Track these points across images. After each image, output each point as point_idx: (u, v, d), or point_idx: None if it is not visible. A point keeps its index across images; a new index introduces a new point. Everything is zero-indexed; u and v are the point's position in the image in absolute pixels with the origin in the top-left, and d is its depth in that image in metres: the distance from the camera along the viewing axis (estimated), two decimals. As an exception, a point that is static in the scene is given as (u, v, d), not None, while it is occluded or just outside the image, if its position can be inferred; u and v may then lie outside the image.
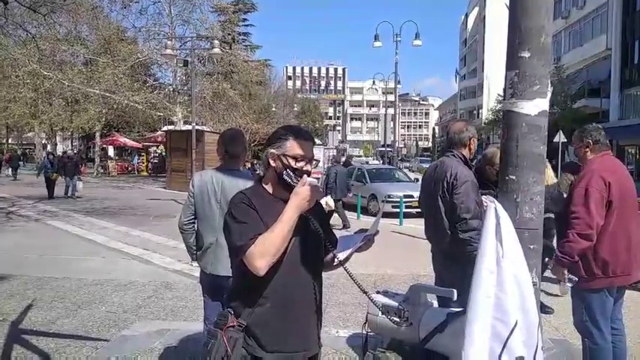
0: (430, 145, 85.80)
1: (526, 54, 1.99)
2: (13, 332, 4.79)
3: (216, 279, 3.28)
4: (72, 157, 20.04)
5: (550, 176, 8.09)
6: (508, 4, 2.09)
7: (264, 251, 1.83)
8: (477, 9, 65.46)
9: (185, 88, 27.87)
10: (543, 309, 5.12)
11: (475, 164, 4.30)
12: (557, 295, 6.04)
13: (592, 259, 3.22)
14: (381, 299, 2.76)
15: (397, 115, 34.41)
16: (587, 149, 3.42)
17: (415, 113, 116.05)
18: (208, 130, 23.96)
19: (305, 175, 1.95)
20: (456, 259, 3.43)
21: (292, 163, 1.97)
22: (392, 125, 33.11)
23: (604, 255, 3.20)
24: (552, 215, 5.05)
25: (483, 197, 2.34)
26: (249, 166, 20.66)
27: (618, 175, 3.35)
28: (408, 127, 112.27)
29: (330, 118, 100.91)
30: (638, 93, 28.94)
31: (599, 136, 3.42)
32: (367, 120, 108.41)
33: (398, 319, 2.50)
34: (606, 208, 3.20)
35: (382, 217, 2.40)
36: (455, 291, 2.51)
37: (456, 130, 3.78)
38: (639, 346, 4.59)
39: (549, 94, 2.04)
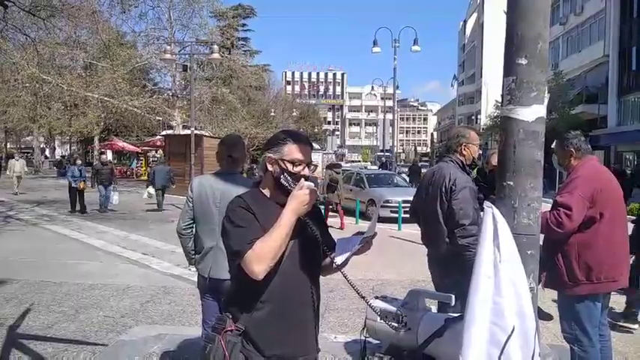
0: (429, 150, 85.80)
1: (523, 61, 1.99)
2: (10, 337, 4.78)
3: (217, 282, 3.26)
4: (106, 162, 16.96)
5: (319, 171, 12.50)
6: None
7: (262, 255, 1.83)
8: (475, 15, 65.65)
9: (184, 92, 27.97)
10: (542, 315, 5.11)
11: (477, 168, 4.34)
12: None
13: (576, 265, 3.21)
14: (380, 304, 2.75)
15: (396, 121, 34.44)
16: (571, 157, 3.41)
17: (414, 118, 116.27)
18: (207, 134, 23.97)
19: (302, 179, 1.96)
20: (453, 265, 3.43)
21: (290, 167, 1.98)
22: (390, 130, 33.14)
23: (588, 261, 3.19)
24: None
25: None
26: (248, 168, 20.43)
27: (604, 181, 3.34)
28: (406, 132, 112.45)
29: (329, 123, 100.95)
30: (635, 99, 29.01)
31: (580, 142, 3.41)
32: (366, 125, 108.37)
33: (396, 325, 2.50)
34: (593, 214, 3.18)
35: (381, 222, 2.40)
36: (453, 296, 2.51)
37: (451, 135, 3.82)
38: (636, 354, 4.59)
39: (546, 101, 2.05)
